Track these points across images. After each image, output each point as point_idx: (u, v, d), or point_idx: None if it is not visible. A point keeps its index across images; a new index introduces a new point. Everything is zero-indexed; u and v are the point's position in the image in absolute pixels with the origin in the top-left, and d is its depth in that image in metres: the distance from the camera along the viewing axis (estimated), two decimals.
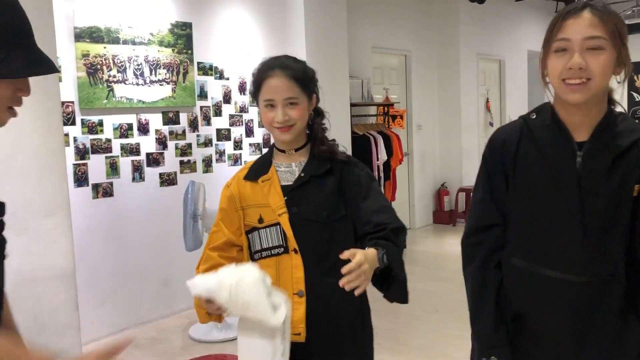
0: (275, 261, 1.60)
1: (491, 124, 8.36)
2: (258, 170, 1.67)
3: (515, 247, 1.41)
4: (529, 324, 1.40)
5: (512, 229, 1.41)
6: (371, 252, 1.42)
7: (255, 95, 1.66)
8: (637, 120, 1.33)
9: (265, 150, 1.69)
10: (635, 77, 9.92)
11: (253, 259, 1.65)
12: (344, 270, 1.32)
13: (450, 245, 6.53)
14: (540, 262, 1.36)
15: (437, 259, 6.00)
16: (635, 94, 9.98)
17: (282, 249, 1.60)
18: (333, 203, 1.62)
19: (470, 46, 7.68)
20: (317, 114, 1.70)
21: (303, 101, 1.61)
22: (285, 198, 1.61)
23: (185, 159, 4.53)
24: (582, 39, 1.24)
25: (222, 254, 1.66)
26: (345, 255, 1.34)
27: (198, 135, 4.61)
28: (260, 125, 5.03)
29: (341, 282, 1.32)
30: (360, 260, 1.32)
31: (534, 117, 1.38)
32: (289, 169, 1.66)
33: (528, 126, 1.38)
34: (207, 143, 4.68)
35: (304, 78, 1.62)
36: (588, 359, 1.35)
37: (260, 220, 1.62)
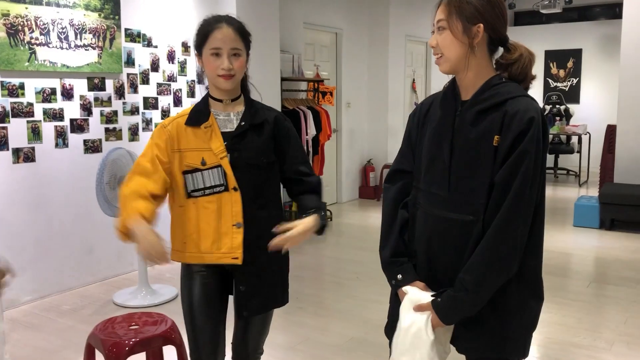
0: (216, 198, 1.84)
1: (416, 104, 8.64)
2: (199, 117, 1.87)
3: (415, 190, 1.65)
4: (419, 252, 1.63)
5: (415, 174, 1.66)
6: (311, 220, 1.81)
7: (200, 45, 1.84)
8: (531, 98, 1.51)
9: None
10: (551, 64, 10.55)
11: (191, 197, 1.85)
12: (278, 239, 1.72)
13: (373, 219, 6.81)
14: (424, 201, 1.59)
15: (361, 231, 6.24)
16: (550, 80, 10.62)
17: (222, 188, 1.83)
18: (268, 149, 1.90)
19: (399, 28, 7.92)
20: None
21: (244, 55, 1.85)
22: (226, 143, 1.84)
23: (110, 126, 4.48)
24: (434, 23, 1.53)
25: (147, 181, 1.81)
26: (280, 229, 1.73)
27: (124, 103, 4.57)
28: (190, 94, 5.03)
29: (270, 244, 1.72)
30: (291, 235, 1.73)
31: (446, 84, 1.63)
32: (227, 117, 1.89)
33: (441, 92, 1.64)
34: (134, 111, 4.65)
35: (246, 33, 1.87)
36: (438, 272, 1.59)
37: (203, 163, 1.83)
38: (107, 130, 4.45)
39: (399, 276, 1.61)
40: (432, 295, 1.53)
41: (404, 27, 8.04)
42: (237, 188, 1.83)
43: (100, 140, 4.40)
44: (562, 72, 10.48)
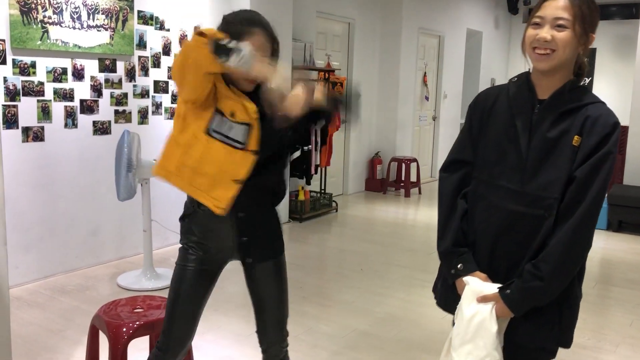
0: (230, 151, 1.79)
1: (427, 98, 8.63)
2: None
3: (477, 182, 1.67)
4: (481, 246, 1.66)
5: (477, 166, 1.68)
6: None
7: (235, 37, 1.76)
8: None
9: None
10: None
11: (208, 134, 1.81)
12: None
13: (379, 212, 6.79)
14: (491, 194, 1.62)
15: (366, 223, 6.23)
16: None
17: (241, 146, 1.80)
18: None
19: (412, 20, 7.85)
20: None
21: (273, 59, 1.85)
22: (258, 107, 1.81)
23: (120, 108, 4.46)
24: (552, 17, 1.51)
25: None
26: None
27: (135, 86, 4.55)
28: None
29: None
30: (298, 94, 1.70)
31: (514, 80, 1.66)
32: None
33: (507, 86, 1.66)
34: (144, 94, 4.63)
35: (276, 40, 1.86)
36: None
37: (232, 114, 1.80)
38: (116, 112, 4.43)
39: (460, 266, 1.64)
40: (498, 287, 1.57)
41: (417, 19, 7.98)
42: (257, 152, 1.81)
43: (109, 122, 4.39)
44: None
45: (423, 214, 6.98)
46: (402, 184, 7.70)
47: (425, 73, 8.46)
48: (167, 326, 1.95)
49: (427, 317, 3.64)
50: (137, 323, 2.20)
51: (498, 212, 1.59)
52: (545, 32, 1.51)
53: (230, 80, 1.83)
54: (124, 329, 2.17)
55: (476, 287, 1.60)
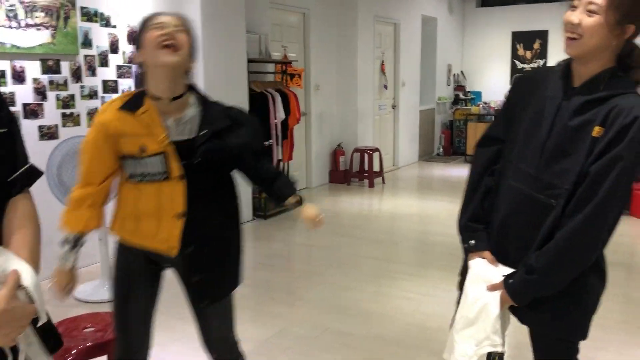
0: (157, 186, 1.72)
1: (385, 87, 8.58)
2: (136, 102, 1.74)
3: (504, 161, 1.65)
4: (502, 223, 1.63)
5: (507, 145, 1.65)
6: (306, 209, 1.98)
7: (139, 37, 1.69)
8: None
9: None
10: (518, 46, 10.57)
11: (130, 180, 1.75)
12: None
13: (344, 203, 6.70)
14: (511, 175, 1.60)
15: (332, 216, 6.13)
16: (517, 62, 10.65)
17: (164, 176, 1.71)
18: (228, 149, 1.80)
19: (367, 8, 7.76)
20: None
21: (189, 36, 1.72)
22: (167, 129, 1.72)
23: (67, 111, 4.22)
24: (586, 1, 1.44)
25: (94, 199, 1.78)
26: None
27: (82, 87, 4.30)
28: None
29: None
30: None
31: (559, 65, 1.61)
32: (177, 121, 1.76)
33: (551, 69, 1.62)
34: (92, 95, 4.39)
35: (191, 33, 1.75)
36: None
37: (143, 150, 1.69)
38: (64, 115, 4.19)
39: (472, 242, 1.66)
40: (503, 275, 1.57)
41: (372, 7, 7.89)
42: (183, 176, 1.72)
43: (56, 126, 4.14)
44: (528, 54, 10.50)
45: (388, 204, 6.93)
46: (365, 175, 7.63)
47: (382, 62, 8.40)
48: (120, 335, 1.84)
49: (400, 311, 3.57)
50: (88, 344, 2.03)
51: (513, 193, 1.58)
52: (575, 16, 1.45)
53: (150, 95, 1.72)
54: (73, 352, 2.00)
55: (480, 270, 1.62)
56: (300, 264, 4.71)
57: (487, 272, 1.60)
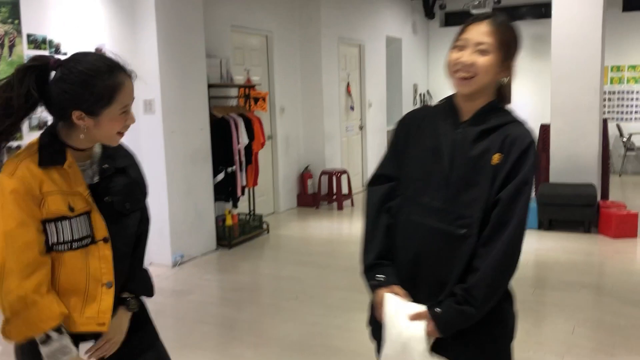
0: (83, 252, 1.51)
1: (352, 108, 8.50)
2: (53, 156, 1.51)
3: (402, 198, 1.67)
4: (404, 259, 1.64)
5: (402, 182, 1.68)
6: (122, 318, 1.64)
7: (101, 106, 1.49)
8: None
9: None
10: None
11: (53, 250, 1.48)
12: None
13: (313, 229, 6.55)
14: (412, 211, 1.61)
15: (301, 243, 5.97)
16: None
17: (89, 240, 1.52)
18: (134, 194, 1.67)
19: (331, 30, 7.70)
20: None
21: None
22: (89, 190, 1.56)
23: (15, 144, 3.98)
24: (475, 42, 1.52)
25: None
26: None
27: (30, 118, 4.07)
28: None
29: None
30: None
31: (441, 102, 1.69)
32: (83, 164, 1.60)
33: (434, 108, 1.70)
34: (42, 126, 4.17)
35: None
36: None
37: (71, 209, 1.48)
38: (9, 149, 3.95)
39: (382, 277, 1.62)
40: (427, 306, 1.54)
41: (336, 28, 7.83)
42: (107, 239, 1.54)
43: (0, 161, 3.90)
44: None
45: (357, 227, 6.78)
46: (334, 197, 7.50)
47: (348, 83, 8.33)
48: None
49: (369, 346, 3.40)
50: None
51: (420, 228, 1.58)
52: (467, 56, 1.52)
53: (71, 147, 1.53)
54: None
55: (397, 305, 1.57)
56: (267, 297, 4.52)
57: (405, 306, 1.56)
